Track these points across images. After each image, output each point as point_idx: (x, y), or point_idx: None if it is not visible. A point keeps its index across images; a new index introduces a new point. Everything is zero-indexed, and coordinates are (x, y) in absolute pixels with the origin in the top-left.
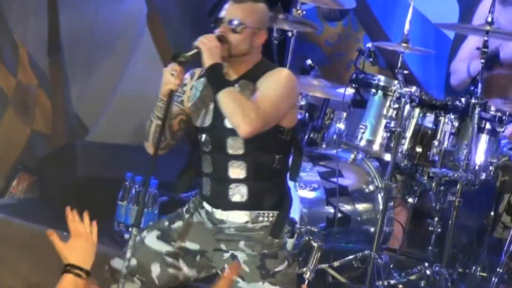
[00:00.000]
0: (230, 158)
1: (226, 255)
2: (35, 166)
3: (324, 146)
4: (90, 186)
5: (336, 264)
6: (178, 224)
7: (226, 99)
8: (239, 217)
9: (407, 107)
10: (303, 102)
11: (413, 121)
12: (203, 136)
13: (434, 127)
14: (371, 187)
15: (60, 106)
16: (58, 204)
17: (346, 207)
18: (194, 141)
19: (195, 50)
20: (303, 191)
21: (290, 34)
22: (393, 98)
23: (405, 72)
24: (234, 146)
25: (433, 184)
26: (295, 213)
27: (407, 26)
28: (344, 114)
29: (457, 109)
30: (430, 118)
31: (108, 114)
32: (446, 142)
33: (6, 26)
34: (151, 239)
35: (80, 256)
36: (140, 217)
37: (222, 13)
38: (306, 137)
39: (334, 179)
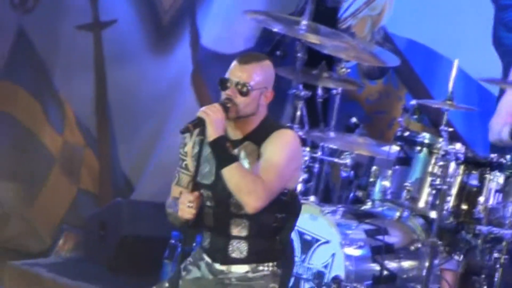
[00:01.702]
0: (233, 216)
1: None
2: (80, 225)
3: (369, 204)
4: (136, 244)
5: None
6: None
7: (231, 176)
8: (239, 268)
9: (453, 164)
10: (348, 161)
11: (458, 179)
12: (205, 192)
13: (479, 184)
14: (417, 245)
15: (107, 164)
16: (104, 263)
17: (392, 265)
18: None
19: (199, 121)
20: (349, 249)
21: (334, 92)
22: (439, 156)
23: (450, 129)
24: (238, 206)
25: (479, 241)
26: (341, 270)
27: (451, 84)
28: (389, 172)
29: (502, 167)
30: (475, 176)
31: (151, 172)
32: (491, 200)
33: (52, 85)
34: None
35: None
36: (178, 279)
37: (228, 75)
38: (352, 195)
39: (380, 237)
